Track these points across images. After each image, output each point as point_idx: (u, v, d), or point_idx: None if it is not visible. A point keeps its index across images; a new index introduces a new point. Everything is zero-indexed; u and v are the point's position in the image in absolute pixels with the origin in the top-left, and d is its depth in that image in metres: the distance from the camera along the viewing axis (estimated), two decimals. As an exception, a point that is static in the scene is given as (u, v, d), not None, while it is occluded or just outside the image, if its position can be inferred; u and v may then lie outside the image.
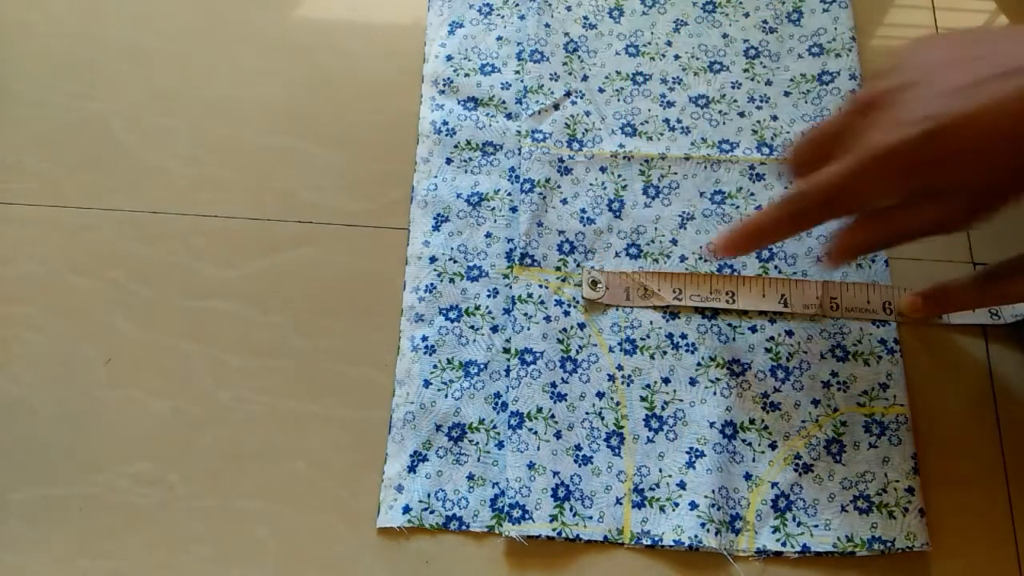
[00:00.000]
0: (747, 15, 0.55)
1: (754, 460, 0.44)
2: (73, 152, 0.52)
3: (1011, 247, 0.48)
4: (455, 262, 0.49)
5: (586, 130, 0.52)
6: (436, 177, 0.51)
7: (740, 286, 0.47)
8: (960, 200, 0.36)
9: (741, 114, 0.52)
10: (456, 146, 0.51)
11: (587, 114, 0.52)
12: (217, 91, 0.54)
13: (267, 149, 0.52)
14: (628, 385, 0.46)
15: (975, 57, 0.35)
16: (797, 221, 0.39)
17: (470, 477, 0.44)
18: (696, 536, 0.42)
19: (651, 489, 0.44)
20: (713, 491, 0.43)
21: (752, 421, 0.45)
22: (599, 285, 0.47)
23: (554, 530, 0.42)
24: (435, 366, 0.46)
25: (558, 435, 0.44)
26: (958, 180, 0.35)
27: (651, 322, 0.47)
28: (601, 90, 0.53)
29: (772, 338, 0.47)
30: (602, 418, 0.45)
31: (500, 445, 0.45)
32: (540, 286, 0.47)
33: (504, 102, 0.52)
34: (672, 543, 0.42)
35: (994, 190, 0.36)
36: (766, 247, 0.48)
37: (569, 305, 0.47)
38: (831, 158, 0.37)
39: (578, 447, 0.44)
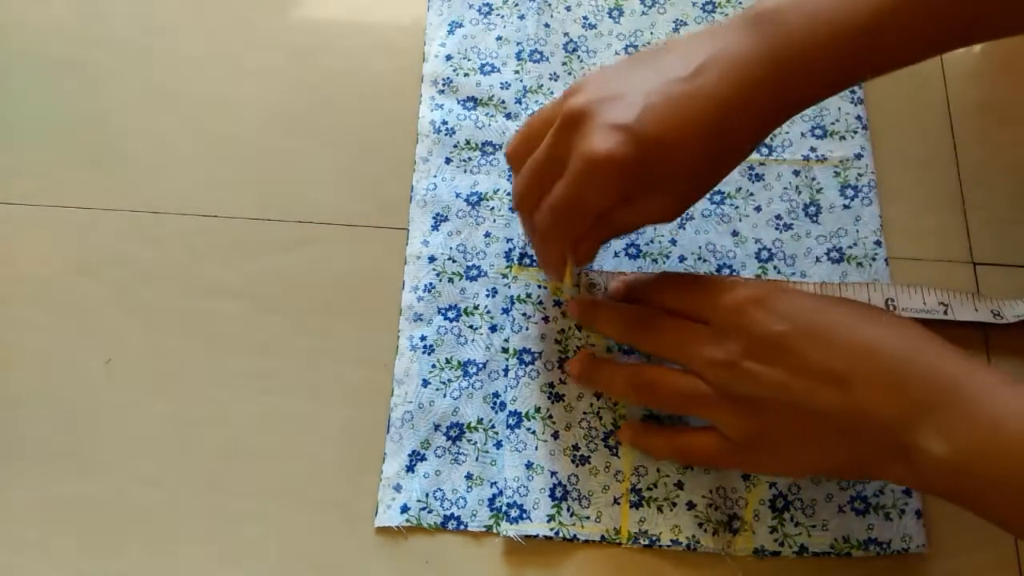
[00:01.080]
0: (746, 15, 0.54)
1: (752, 460, 0.44)
2: (73, 152, 0.52)
3: (1009, 248, 0.49)
4: (454, 262, 0.49)
5: (585, 130, 0.52)
6: (435, 177, 0.51)
7: None
8: (672, 190, 0.39)
9: (740, 114, 0.52)
10: (455, 146, 0.51)
11: (586, 114, 0.52)
12: (217, 91, 0.54)
13: (267, 149, 0.52)
14: (627, 385, 0.46)
15: (652, 67, 0.38)
16: (545, 254, 0.42)
17: (468, 477, 0.44)
18: (694, 536, 0.42)
19: (649, 489, 0.44)
20: (711, 491, 0.43)
21: (750, 421, 0.45)
22: (596, 288, 0.47)
23: (552, 530, 0.42)
24: (434, 366, 0.46)
25: (556, 435, 0.44)
26: (658, 177, 0.37)
27: (650, 322, 0.47)
28: (600, 90, 0.53)
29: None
30: (600, 418, 0.45)
31: (499, 445, 0.45)
32: (539, 286, 0.47)
33: (504, 102, 0.52)
34: (670, 543, 0.42)
35: (698, 177, 0.39)
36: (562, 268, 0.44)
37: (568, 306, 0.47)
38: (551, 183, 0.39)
39: (576, 447, 0.44)
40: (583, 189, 0.38)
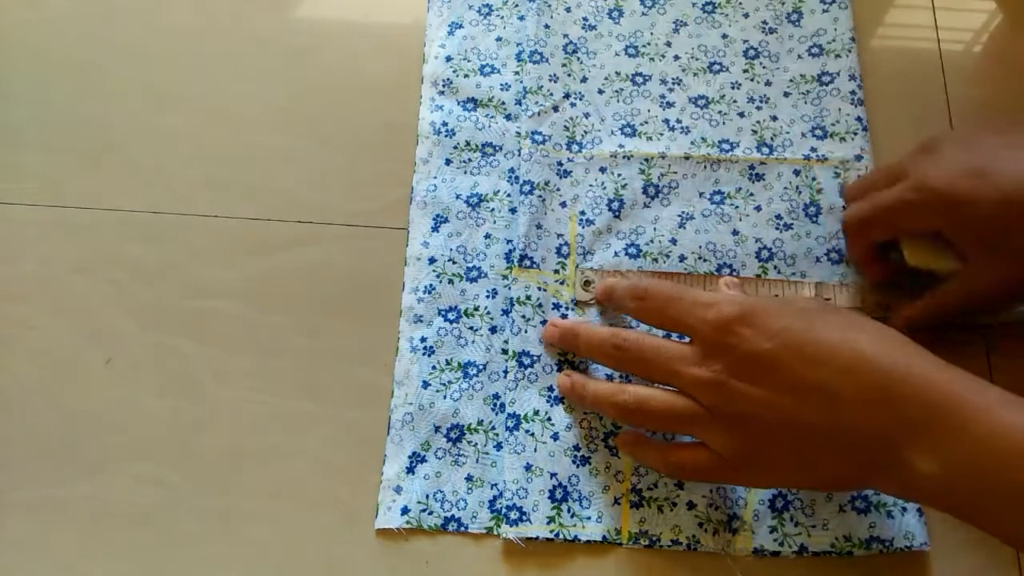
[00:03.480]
0: (747, 16, 0.55)
1: (752, 461, 0.44)
2: (73, 152, 0.52)
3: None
4: (454, 263, 0.49)
5: (585, 132, 0.52)
6: (435, 178, 0.51)
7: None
8: (997, 268, 0.41)
9: (741, 114, 0.52)
10: (456, 147, 0.51)
11: (586, 116, 0.52)
12: (217, 91, 0.54)
13: (267, 149, 0.52)
14: (627, 385, 0.46)
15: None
16: (854, 244, 0.47)
17: (468, 478, 0.44)
18: (694, 536, 0.42)
19: (649, 489, 0.44)
20: (711, 491, 0.43)
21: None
22: (591, 285, 0.47)
23: (552, 531, 0.42)
24: (434, 367, 0.46)
25: (555, 437, 0.44)
26: (995, 229, 0.39)
27: (650, 323, 0.47)
28: (600, 91, 0.53)
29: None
30: (600, 419, 0.45)
31: (499, 446, 0.45)
32: (539, 288, 0.47)
33: (503, 103, 0.52)
34: (670, 543, 0.42)
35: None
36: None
37: (567, 308, 0.47)
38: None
39: (576, 447, 0.44)
40: (902, 203, 0.41)
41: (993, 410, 0.33)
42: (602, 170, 0.51)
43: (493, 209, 0.50)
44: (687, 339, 0.40)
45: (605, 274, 0.48)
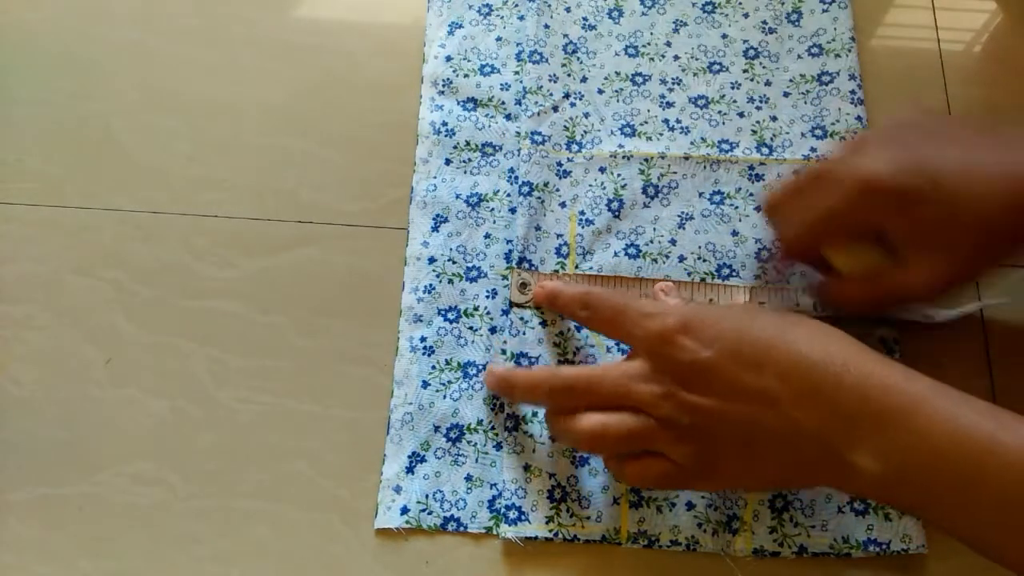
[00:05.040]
0: (746, 16, 0.55)
1: (752, 461, 0.44)
2: (73, 152, 0.52)
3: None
4: (454, 263, 0.49)
5: (585, 131, 0.52)
6: (435, 178, 0.51)
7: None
8: (953, 251, 0.39)
9: (740, 114, 0.52)
10: (455, 147, 0.51)
11: (586, 116, 0.52)
12: (217, 91, 0.54)
13: (267, 149, 0.52)
14: (626, 386, 0.46)
15: (978, 124, 0.39)
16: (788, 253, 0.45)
17: (468, 478, 0.44)
18: (693, 536, 0.42)
19: (648, 489, 0.44)
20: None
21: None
22: (527, 288, 0.47)
23: (551, 531, 0.43)
24: (434, 367, 0.46)
25: (555, 437, 0.44)
26: (937, 226, 0.38)
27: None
28: (600, 91, 0.53)
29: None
30: (600, 419, 0.45)
31: (498, 446, 0.45)
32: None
33: (503, 103, 0.52)
34: (669, 543, 0.43)
35: (970, 254, 0.39)
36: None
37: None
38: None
39: (575, 447, 0.44)
40: (846, 202, 0.39)
41: (929, 401, 0.33)
42: (602, 170, 0.51)
43: (493, 209, 0.50)
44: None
45: (541, 276, 0.48)
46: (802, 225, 0.42)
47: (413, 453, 0.45)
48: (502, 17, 0.55)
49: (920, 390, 0.33)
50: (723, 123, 0.52)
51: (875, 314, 0.46)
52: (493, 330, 0.47)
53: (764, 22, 0.54)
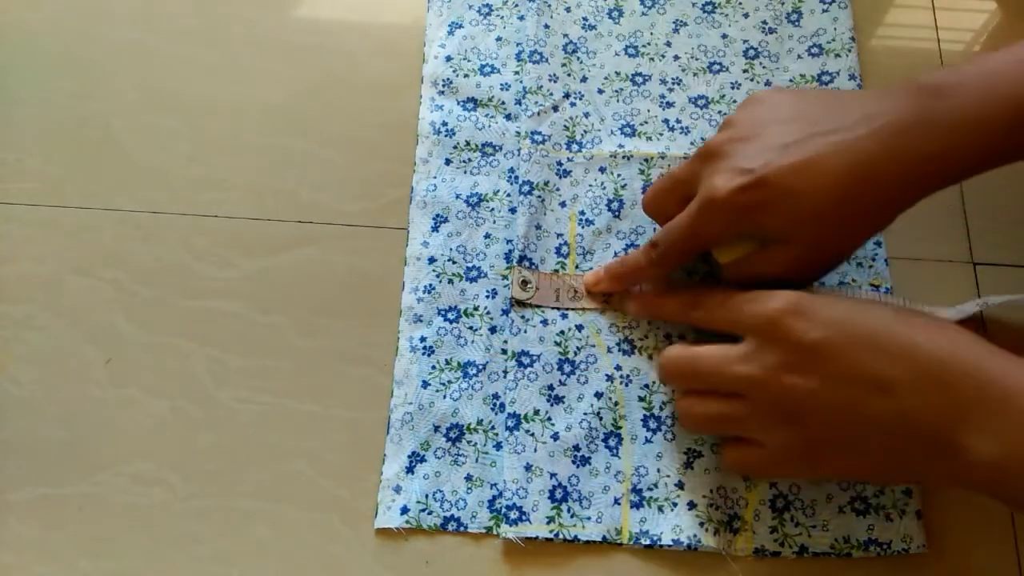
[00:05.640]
0: (746, 16, 0.55)
1: (752, 461, 0.44)
2: (73, 152, 0.52)
3: (1009, 248, 0.49)
4: (454, 263, 0.49)
5: (585, 131, 0.52)
6: (435, 178, 0.51)
7: None
8: (800, 241, 0.40)
9: (740, 114, 0.52)
10: (455, 147, 0.51)
11: (586, 115, 0.52)
12: (217, 91, 0.54)
13: (267, 149, 0.52)
14: (626, 385, 0.46)
15: (800, 117, 0.40)
16: (656, 266, 0.44)
17: (468, 478, 0.44)
18: (694, 536, 0.42)
19: (649, 489, 0.44)
20: (711, 491, 0.43)
21: (750, 422, 0.45)
22: (529, 285, 0.47)
23: (551, 531, 0.43)
24: (434, 367, 0.46)
25: (555, 437, 0.44)
26: (783, 223, 0.39)
27: (649, 323, 0.47)
28: (600, 91, 0.53)
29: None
30: (600, 418, 0.45)
31: (498, 446, 0.45)
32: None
33: (503, 103, 0.52)
34: (670, 543, 0.42)
35: (829, 232, 0.39)
36: (635, 284, 0.47)
37: (567, 308, 0.47)
38: (681, 203, 0.42)
39: (576, 448, 0.44)
40: (698, 222, 0.41)
41: None
42: (602, 170, 0.51)
43: (493, 209, 0.50)
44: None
45: (541, 275, 0.48)
46: (667, 240, 0.43)
47: (413, 453, 0.45)
48: (502, 17, 0.55)
49: None
50: (723, 123, 0.52)
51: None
52: (493, 330, 0.47)
53: (764, 22, 0.54)
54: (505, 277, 0.48)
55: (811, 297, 0.38)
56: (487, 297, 0.48)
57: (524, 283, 0.47)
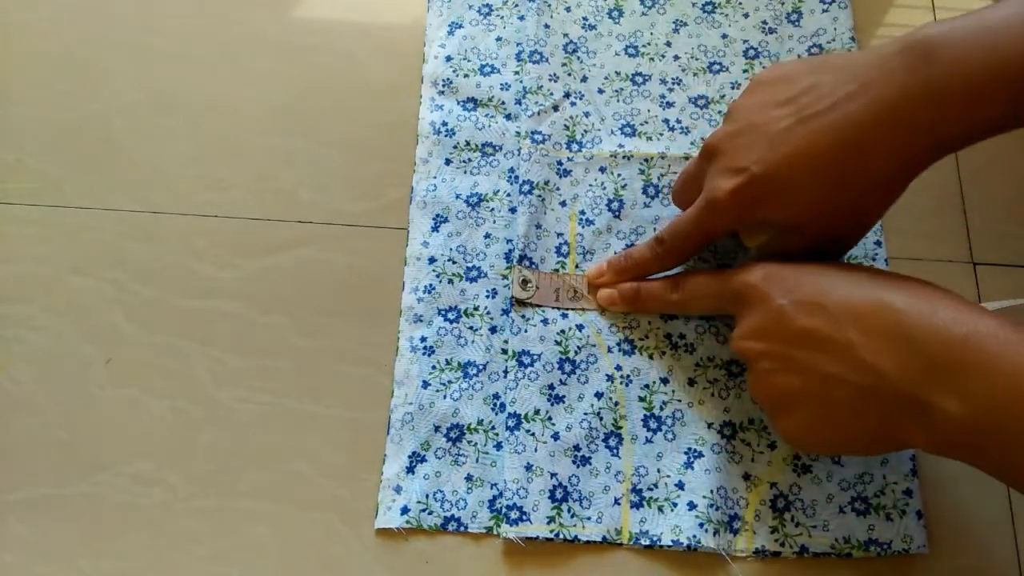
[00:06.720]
0: (746, 16, 0.55)
1: (753, 460, 0.44)
2: (73, 152, 0.52)
3: (1009, 248, 0.49)
4: (454, 263, 0.49)
5: (585, 131, 0.52)
6: (435, 178, 0.51)
7: None
8: (797, 238, 0.40)
9: (740, 114, 0.52)
10: (455, 147, 0.51)
11: (586, 115, 0.52)
12: (217, 91, 0.54)
13: (267, 149, 0.52)
14: (627, 385, 0.46)
15: (790, 99, 0.39)
16: (661, 261, 0.46)
17: (468, 478, 0.44)
18: (694, 536, 0.42)
19: (649, 489, 0.44)
20: (711, 491, 0.43)
21: (751, 421, 0.45)
22: (529, 284, 0.47)
23: (552, 531, 0.42)
24: (434, 367, 0.46)
25: (556, 436, 0.44)
26: (785, 214, 0.39)
27: (649, 323, 0.47)
28: (600, 91, 0.53)
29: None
30: (600, 418, 0.45)
31: (499, 446, 0.45)
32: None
33: (503, 103, 0.52)
34: (670, 543, 0.42)
35: (827, 224, 0.40)
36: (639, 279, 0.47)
37: (567, 308, 0.47)
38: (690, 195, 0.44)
39: (576, 448, 0.44)
40: (702, 221, 0.42)
41: (1015, 346, 0.32)
42: (602, 170, 0.51)
43: (493, 209, 0.50)
44: None
45: (542, 274, 0.48)
46: (673, 237, 0.44)
47: (413, 453, 0.45)
48: (502, 17, 0.55)
49: (1010, 335, 0.33)
50: (723, 123, 0.52)
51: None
52: (493, 330, 0.47)
53: (764, 22, 0.54)
54: (505, 277, 0.48)
55: (784, 266, 0.39)
56: (487, 297, 0.48)
57: (524, 282, 0.47)
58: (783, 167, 0.38)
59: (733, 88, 0.53)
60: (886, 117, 0.36)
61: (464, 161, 0.51)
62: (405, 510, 0.43)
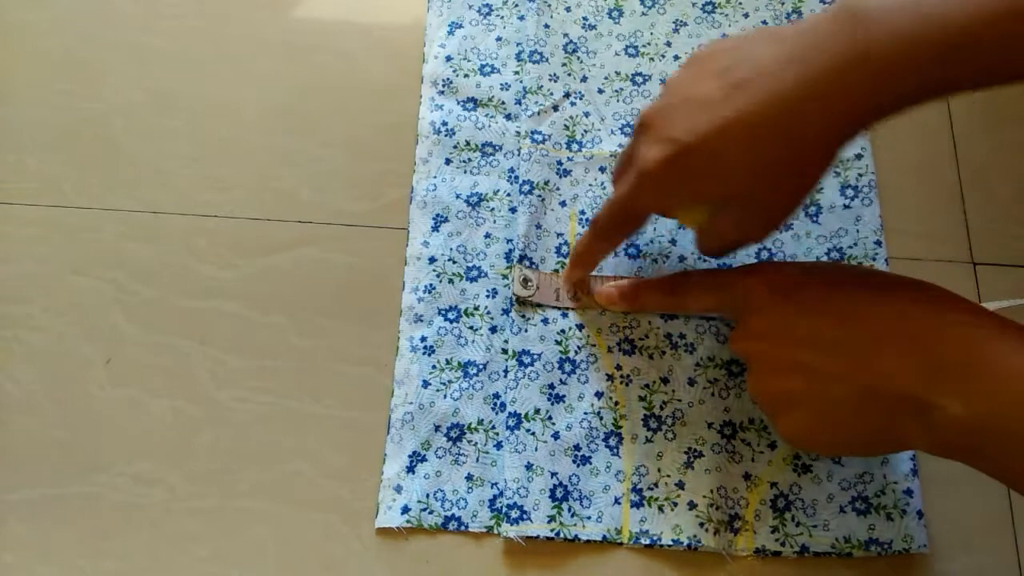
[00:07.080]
0: (746, 16, 0.55)
1: (753, 460, 0.44)
2: (73, 152, 0.52)
3: (1009, 248, 0.49)
4: (454, 263, 0.49)
5: (585, 131, 0.52)
6: (435, 177, 0.51)
7: None
8: (734, 213, 0.39)
9: (740, 114, 0.52)
10: (455, 147, 0.51)
11: (586, 115, 0.52)
12: (217, 91, 0.54)
13: (267, 149, 0.52)
14: (627, 385, 0.46)
15: (730, 68, 0.37)
16: (601, 241, 0.44)
17: (469, 478, 0.44)
18: (695, 536, 0.42)
19: (650, 489, 0.44)
20: (712, 491, 0.43)
21: (751, 421, 0.45)
22: (530, 283, 0.47)
23: (552, 531, 0.42)
24: (434, 366, 0.46)
25: (556, 436, 0.44)
26: (719, 187, 0.38)
27: (649, 322, 0.47)
28: (600, 91, 0.53)
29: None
30: (601, 418, 0.45)
31: (499, 446, 0.45)
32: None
33: (503, 103, 0.52)
34: (671, 543, 0.42)
35: (763, 197, 0.38)
36: (597, 266, 0.47)
37: (567, 307, 0.47)
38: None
39: (577, 447, 0.44)
40: (633, 195, 0.40)
41: (1016, 347, 0.32)
42: (602, 170, 0.51)
43: (493, 209, 0.50)
44: None
45: (542, 274, 0.48)
46: (605, 215, 0.43)
47: (414, 453, 0.45)
48: (502, 17, 0.55)
49: (1008, 334, 0.33)
50: (723, 123, 0.52)
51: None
52: (493, 329, 0.47)
53: (764, 22, 0.54)
54: (505, 277, 0.48)
55: (784, 265, 0.40)
56: (487, 297, 0.48)
57: (525, 281, 0.47)
58: (715, 136, 0.36)
59: (733, 88, 0.52)
60: (822, 84, 0.35)
61: (464, 161, 0.51)
62: (405, 510, 0.43)
